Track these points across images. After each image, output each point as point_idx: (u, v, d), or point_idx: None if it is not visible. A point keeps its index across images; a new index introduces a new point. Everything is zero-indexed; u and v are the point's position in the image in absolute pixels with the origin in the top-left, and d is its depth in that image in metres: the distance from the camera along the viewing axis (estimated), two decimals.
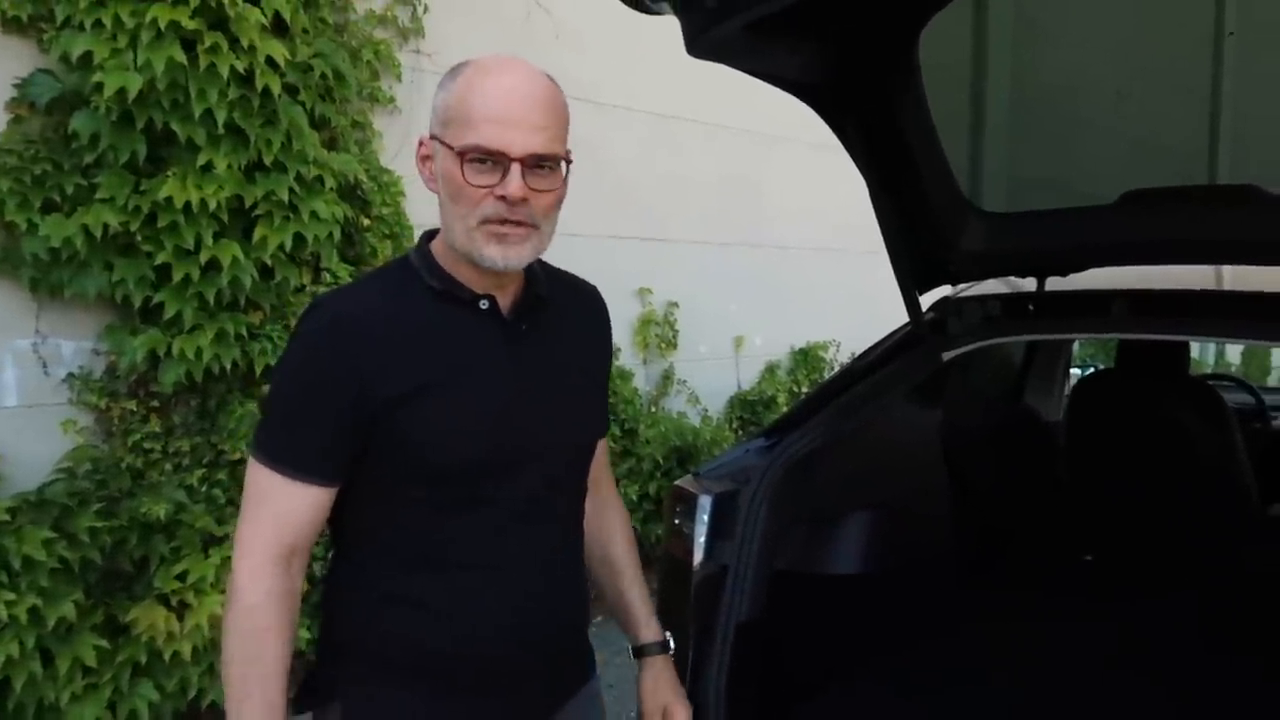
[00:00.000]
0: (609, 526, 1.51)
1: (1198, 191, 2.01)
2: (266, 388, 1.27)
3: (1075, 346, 5.75)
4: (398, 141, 3.84)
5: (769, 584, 1.96)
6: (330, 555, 1.34)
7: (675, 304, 5.03)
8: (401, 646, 1.21)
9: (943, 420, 2.67)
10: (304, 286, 3.30)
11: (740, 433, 5.13)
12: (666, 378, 5.06)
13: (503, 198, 1.12)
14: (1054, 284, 2.33)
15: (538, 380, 1.24)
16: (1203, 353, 8.10)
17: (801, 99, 1.93)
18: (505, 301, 1.24)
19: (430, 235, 1.27)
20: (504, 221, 1.14)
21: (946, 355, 2.27)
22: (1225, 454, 2.75)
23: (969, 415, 2.98)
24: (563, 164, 1.18)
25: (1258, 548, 2.79)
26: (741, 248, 5.38)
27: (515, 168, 1.12)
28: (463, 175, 1.12)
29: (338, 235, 3.36)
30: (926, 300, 2.42)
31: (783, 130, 5.31)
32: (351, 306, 1.19)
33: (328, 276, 3.34)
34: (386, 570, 1.22)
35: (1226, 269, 2.32)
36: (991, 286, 2.53)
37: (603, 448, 1.47)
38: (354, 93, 3.56)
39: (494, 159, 1.12)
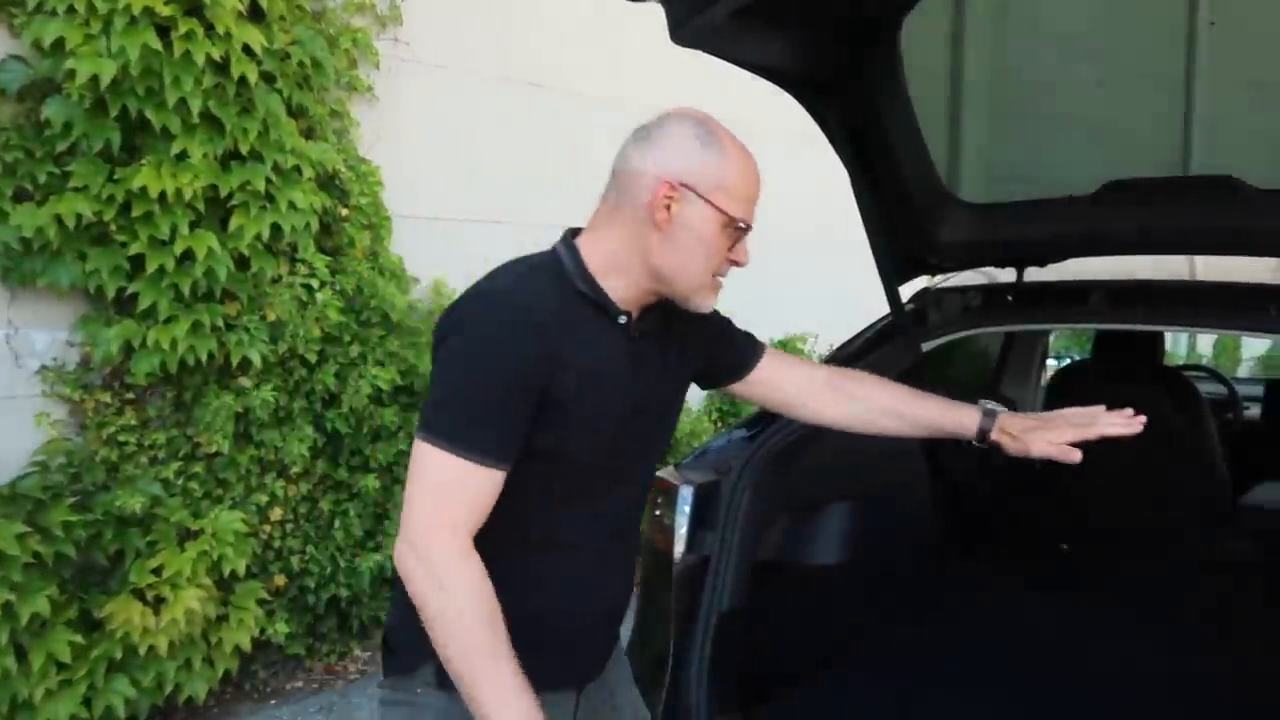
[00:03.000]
0: (870, 387, 1.58)
1: (1177, 182, 2.02)
2: (435, 371, 1.26)
3: (1051, 338, 5.81)
4: (375, 131, 3.80)
5: (751, 574, 1.96)
6: None
7: None
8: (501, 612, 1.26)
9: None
10: (280, 277, 3.27)
11: (720, 424, 5.13)
12: None
13: (735, 262, 1.31)
14: (1033, 275, 2.34)
15: (645, 393, 1.34)
16: (1174, 345, 8.19)
17: (783, 88, 1.92)
18: (633, 317, 1.33)
19: (575, 233, 1.34)
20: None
21: (926, 346, 2.28)
22: (1200, 444, 2.79)
23: None
24: None
25: (1231, 536, 2.82)
26: None
27: (748, 239, 1.31)
28: (719, 237, 1.28)
29: (315, 225, 3.34)
30: (907, 291, 2.43)
31: (763, 120, 5.30)
32: (538, 307, 1.23)
33: (303, 268, 3.30)
34: (495, 548, 1.25)
35: (1199, 260, 2.34)
36: (972, 278, 2.54)
37: (775, 356, 1.58)
38: (332, 81, 3.52)
39: (741, 230, 1.29)
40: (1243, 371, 9.64)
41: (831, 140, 2.08)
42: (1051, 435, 1.47)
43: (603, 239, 1.30)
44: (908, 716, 2.10)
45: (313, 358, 3.34)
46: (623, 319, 1.30)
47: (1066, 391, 3.04)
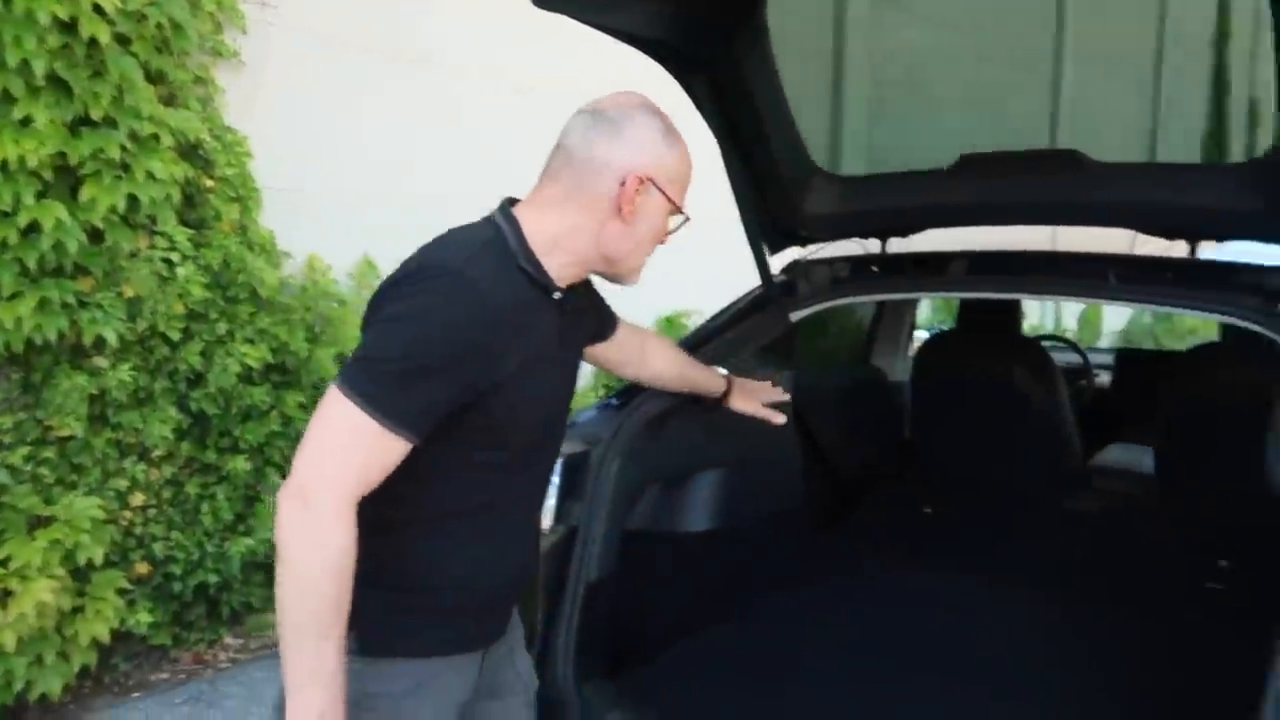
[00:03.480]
0: (668, 355, 1.89)
1: (1026, 156, 2.11)
2: (379, 327, 1.24)
3: (926, 309, 6.02)
4: (243, 99, 3.64)
5: (620, 543, 1.97)
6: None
7: None
8: (430, 577, 1.32)
9: (793, 379, 2.74)
10: (138, 251, 3.11)
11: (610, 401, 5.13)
12: None
13: (661, 243, 1.42)
14: (902, 247, 2.41)
15: (566, 365, 1.45)
16: (1043, 317, 8.62)
17: (650, 55, 1.93)
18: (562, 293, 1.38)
19: (513, 202, 1.37)
20: None
21: (795, 316, 2.33)
22: (1052, 409, 2.93)
23: (818, 375, 3.07)
24: None
25: (1080, 496, 2.99)
26: None
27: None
28: (665, 223, 1.39)
29: (177, 197, 3.18)
30: (781, 263, 2.48)
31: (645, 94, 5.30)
32: (488, 285, 1.24)
33: (164, 241, 3.15)
34: (430, 512, 1.31)
35: (1060, 231, 2.46)
36: (848, 249, 2.60)
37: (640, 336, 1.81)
38: (194, 45, 3.35)
39: (684, 218, 1.41)
40: (1104, 343, 10.20)
41: (702, 112, 2.09)
42: (751, 399, 2.03)
43: (552, 219, 1.33)
44: (775, 680, 2.15)
45: (176, 335, 3.19)
46: (558, 295, 1.35)
47: (932, 361, 3.15)
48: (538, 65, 4.72)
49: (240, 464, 3.37)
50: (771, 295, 2.36)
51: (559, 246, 1.33)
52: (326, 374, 3.60)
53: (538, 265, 1.31)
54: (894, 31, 2.56)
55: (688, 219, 1.40)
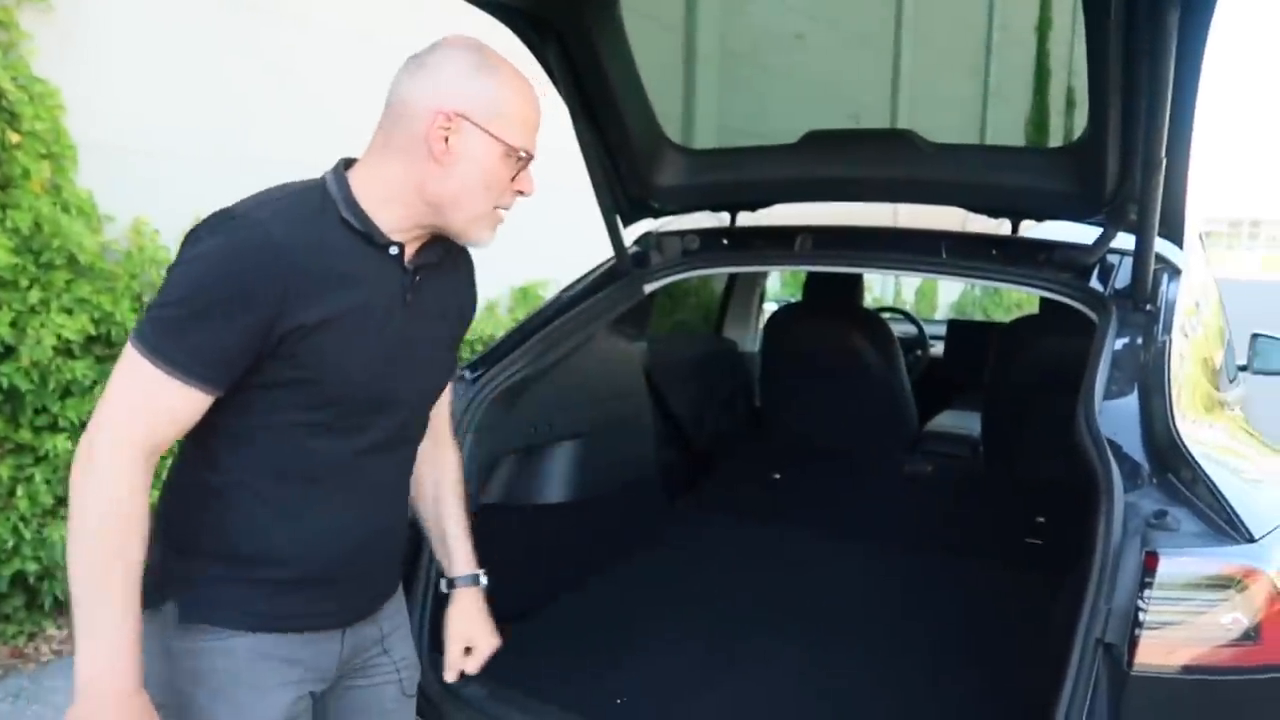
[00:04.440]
0: (444, 463, 1.59)
1: (863, 135, 2.19)
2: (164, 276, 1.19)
3: (777, 282, 6.19)
4: (54, 46, 3.34)
5: (476, 517, 1.95)
6: (180, 454, 1.32)
7: None
8: (252, 546, 1.26)
9: (646, 350, 2.77)
10: None
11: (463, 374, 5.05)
12: None
13: (520, 191, 1.29)
14: (755, 221, 2.47)
15: (419, 328, 1.33)
16: (884, 290, 9.02)
17: (500, 20, 1.89)
18: (409, 251, 1.30)
19: (348, 164, 1.30)
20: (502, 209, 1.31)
21: (648, 287, 2.35)
22: (891, 378, 3.08)
23: (672, 346, 3.12)
24: None
25: (915, 458, 3.16)
26: None
27: (530, 168, 1.29)
28: (500, 167, 1.25)
29: None
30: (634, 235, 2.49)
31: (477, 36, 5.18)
32: (280, 228, 1.19)
33: None
34: (250, 477, 1.25)
35: (902, 209, 2.57)
36: (702, 221, 2.63)
37: (447, 392, 1.54)
38: None
39: (523, 160, 1.27)
40: (939, 316, 10.78)
41: (553, 79, 2.07)
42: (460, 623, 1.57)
43: (376, 170, 1.26)
44: (633, 645, 2.19)
45: None
46: (394, 250, 1.27)
47: (780, 332, 3.26)
48: (385, 13, 4.54)
49: (61, 443, 3.13)
50: (624, 266, 2.37)
51: (388, 199, 1.25)
52: None
53: (361, 214, 1.24)
54: (745, 8, 2.59)
55: (527, 159, 1.27)
